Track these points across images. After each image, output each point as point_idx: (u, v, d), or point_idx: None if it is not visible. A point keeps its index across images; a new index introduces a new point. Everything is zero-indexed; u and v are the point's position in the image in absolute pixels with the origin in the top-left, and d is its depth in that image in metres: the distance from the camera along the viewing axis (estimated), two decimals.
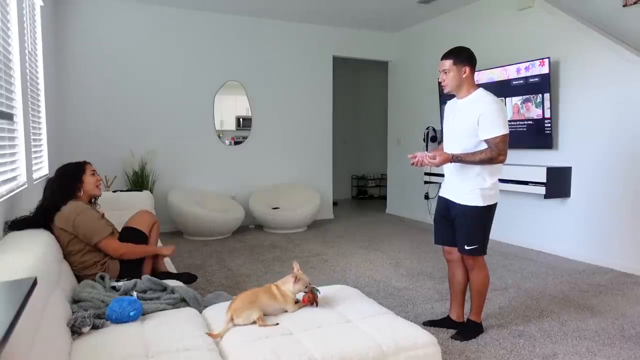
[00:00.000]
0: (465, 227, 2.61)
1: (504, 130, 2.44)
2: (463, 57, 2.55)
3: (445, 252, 2.84)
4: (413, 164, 2.62)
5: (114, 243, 2.52)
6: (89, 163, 2.71)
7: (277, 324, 1.90)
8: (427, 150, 6.00)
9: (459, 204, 2.60)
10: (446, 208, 2.72)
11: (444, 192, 2.74)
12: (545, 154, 4.68)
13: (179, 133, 5.84)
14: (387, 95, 7.37)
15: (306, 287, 2.05)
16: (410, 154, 2.64)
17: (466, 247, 2.62)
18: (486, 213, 2.58)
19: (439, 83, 2.73)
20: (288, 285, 2.04)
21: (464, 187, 2.58)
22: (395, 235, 5.64)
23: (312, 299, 2.08)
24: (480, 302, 2.72)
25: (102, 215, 2.66)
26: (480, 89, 2.57)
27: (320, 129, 6.73)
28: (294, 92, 6.51)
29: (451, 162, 2.54)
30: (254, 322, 1.89)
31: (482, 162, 2.49)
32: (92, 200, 2.73)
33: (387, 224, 6.44)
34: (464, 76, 2.54)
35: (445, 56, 2.58)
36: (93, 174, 2.65)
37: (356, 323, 1.92)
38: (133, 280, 2.31)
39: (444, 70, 2.57)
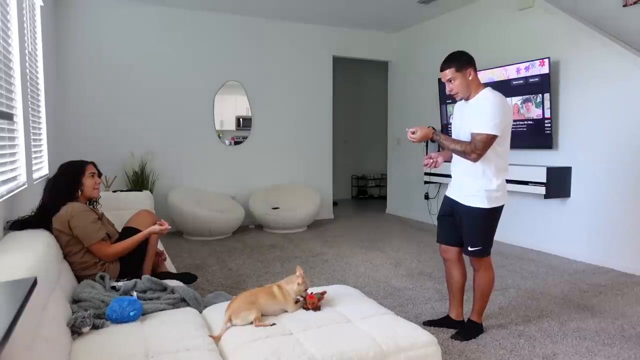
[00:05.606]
0: (469, 229, 2.61)
1: (490, 130, 2.40)
2: (463, 61, 2.52)
3: (442, 251, 2.84)
4: (426, 164, 2.70)
5: (105, 249, 2.48)
6: (92, 163, 2.67)
7: (274, 324, 1.90)
8: (427, 150, 6.00)
9: (464, 205, 2.59)
10: (451, 208, 2.72)
11: (450, 192, 2.74)
12: (545, 154, 4.68)
13: (179, 133, 5.84)
14: (387, 95, 7.37)
15: (306, 290, 2.06)
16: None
17: (470, 249, 2.61)
18: (491, 215, 2.56)
19: (439, 80, 2.74)
20: (292, 286, 2.04)
21: (469, 188, 2.57)
22: (395, 235, 5.64)
23: (316, 304, 2.06)
24: (483, 303, 2.72)
25: (101, 216, 2.66)
26: (487, 89, 2.54)
27: (320, 129, 6.73)
28: (294, 92, 6.51)
29: (431, 139, 2.54)
30: (252, 322, 1.89)
31: (455, 151, 2.52)
32: (92, 201, 2.72)
33: (387, 224, 6.44)
34: (470, 79, 2.52)
35: (446, 65, 2.53)
36: (92, 176, 2.62)
37: (356, 323, 1.92)
38: (133, 280, 2.31)
39: (448, 79, 2.54)
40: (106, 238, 2.52)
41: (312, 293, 2.08)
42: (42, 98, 3.79)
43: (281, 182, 6.45)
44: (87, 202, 2.65)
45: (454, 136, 2.69)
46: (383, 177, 8.75)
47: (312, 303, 2.04)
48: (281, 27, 6.33)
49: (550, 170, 4.40)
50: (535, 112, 4.64)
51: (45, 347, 1.42)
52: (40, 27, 3.86)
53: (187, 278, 2.79)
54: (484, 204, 2.53)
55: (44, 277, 1.65)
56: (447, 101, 5.67)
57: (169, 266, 3.10)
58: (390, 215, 7.16)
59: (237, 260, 4.46)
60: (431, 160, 2.70)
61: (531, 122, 4.69)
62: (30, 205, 2.55)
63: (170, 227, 2.75)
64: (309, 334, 1.81)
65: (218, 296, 2.59)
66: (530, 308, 3.18)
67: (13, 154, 2.53)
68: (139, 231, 2.64)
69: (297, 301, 2.05)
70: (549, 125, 4.53)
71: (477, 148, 2.42)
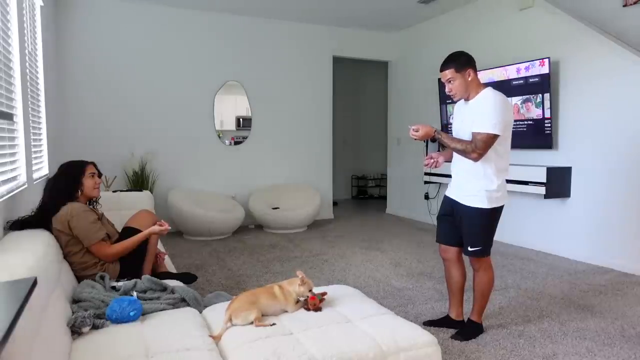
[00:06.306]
0: (469, 229, 2.60)
1: (491, 129, 2.39)
2: (463, 61, 2.51)
3: (441, 251, 2.84)
4: (427, 164, 2.71)
5: (105, 249, 2.48)
6: (92, 163, 2.67)
7: (274, 324, 1.90)
8: (427, 150, 6.00)
9: (464, 205, 2.59)
10: (451, 208, 2.71)
11: (450, 192, 2.73)
12: (545, 154, 4.68)
13: (179, 133, 5.84)
14: (387, 95, 7.37)
15: (310, 290, 2.06)
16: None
17: (470, 249, 2.61)
18: (491, 215, 2.56)
19: (439, 80, 2.74)
20: (294, 287, 2.04)
21: (470, 188, 2.56)
22: (395, 235, 5.64)
23: (316, 305, 2.06)
24: (482, 303, 2.72)
25: (101, 216, 2.66)
26: (488, 89, 2.53)
27: (320, 129, 6.73)
28: (294, 92, 6.51)
29: (432, 137, 2.54)
30: (252, 322, 1.89)
31: (456, 150, 2.52)
32: (92, 201, 2.72)
33: (387, 224, 6.44)
34: (469, 79, 2.51)
35: (445, 66, 2.53)
36: (92, 176, 2.62)
37: (356, 323, 1.92)
38: (133, 280, 2.31)
39: (447, 80, 2.53)
40: (106, 238, 2.52)
41: (314, 294, 2.08)
42: (42, 98, 3.78)
43: (281, 182, 6.45)
44: (87, 202, 2.65)
45: (454, 135, 2.69)
46: (383, 177, 8.76)
47: (313, 304, 2.04)
48: (281, 27, 6.33)
49: (550, 170, 4.40)
50: (535, 112, 4.64)
51: (45, 347, 1.42)
52: (40, 27, 3.86)
53: (187, 278, 2.79)
54: (484, 204, 2.52)
55: (44, 277, 1.65)
56: (447, 101, 5.67)
57: (169, 266, 3.10)
58: (390, 215, 7.16)
59: (237, 260, 4.46)
60: (432, 160, 2.70)
61: (531, 122, 4.69)
62: (30, 205, 2.55)
63: (170, 227, 2.75)
64: (309, 334, 1.81)
65: (218, 296, 2.58)
66: (530, 308, 3.18)
67: (13, 154, 2.53)
68: (139, 231, 2.64)
69: (297, 301, 2.05)
70: (549, 125, 4.53)
71: (478, 147, 2.42)
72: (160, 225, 2.69)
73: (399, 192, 7.12)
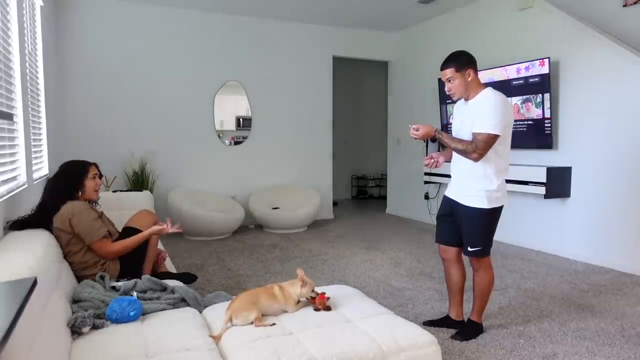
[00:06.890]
0: (469, 229, 2.60)
1: (491, 129, 2.39)
2: (463, 61, 2.50)
3: (440, 251, 2.84)
4: (427, 164, 2.71)
5: (106, 246, 2.48)
6: (94, 165, 2.66)
7: (274, 324, 1.90)
8: (427, 150, 6.00)
9: (464, 205, 2.58)
10: (450, 208, 2.71)
11: (450, 192, 2.73)
12: (545, 154, 4.68)
13: (179, 133, 5.84)
14: (387, 95, 7.37)
15: (313, 290, 2.06)
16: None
17: (469, 249, 2.61)
18: (491, 215, 2.56)
19: (439, 80, 2.73)
20: (295, 288, 2.04)
21: (470, 189, 2.56)
22: (395, 235, 5.64)
23: (325, 304, 2.05)
24: (482, 303, 2.72)
25: (101, 215, 2.66)
26: (488, 89, 2.53)
27: (320, 129, 6.73)
28: (294, 92, 6.51)
29: (433, 137, 2.54)
30: (252, 322, 1.89)
31: (456, 150, 2.52)
32: (91, 202, 2.72)
33: (387, 224, 6.44)
34: (469, 79, 2.51)
35: (445, 65, 2.53)
36: (94, 178, 2.62)
37: (356, 323, 1.92)
38: (133, 280, 2.31)
39: (447, 79, 2.53)
40: (108, 235, 2.52)
41: (323, 293, 2.08)
42: (42, 98, 3.78)
43: (281, 182, 6.45)
44: (87, 202, 2.64)
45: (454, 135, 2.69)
46: (383, 177, 8.76)
47: (322, 303, 2.04)
48: (281, 27, 6.33)
49: (550, 170, 4.40)
50: (535, 112, 4.64)
51: (45, 347, 1.42)
52: (40, 27, 3.86)
53: (187, 278, 2.79)
54: (484, 204, 2.52)
55: (44, 277, 1.65)
56: (447, 101, 5.67)
57: (169, 266, 3.10)
58: (390, 215, 7.16)
59: (237, 260, 4.46)
60: (432, 160, 2.70)
61: (531, 122, 4.69)
62: (30, 205, 2.55)
63: (170, 227, 2.66)
64: (309, 334, 1.81)
65: (218, 296, 2.58)
66: (530, 308, 3.18)
67: (13, 154, 2.53)
68: (140, 231, 2.64)
69: (298, 302, 2.05)
70: (549, 125, 4.53)
71: (479, 147, 2.42)
72: (160, 224, 2.68)
73: (399, 192, 7.12)
